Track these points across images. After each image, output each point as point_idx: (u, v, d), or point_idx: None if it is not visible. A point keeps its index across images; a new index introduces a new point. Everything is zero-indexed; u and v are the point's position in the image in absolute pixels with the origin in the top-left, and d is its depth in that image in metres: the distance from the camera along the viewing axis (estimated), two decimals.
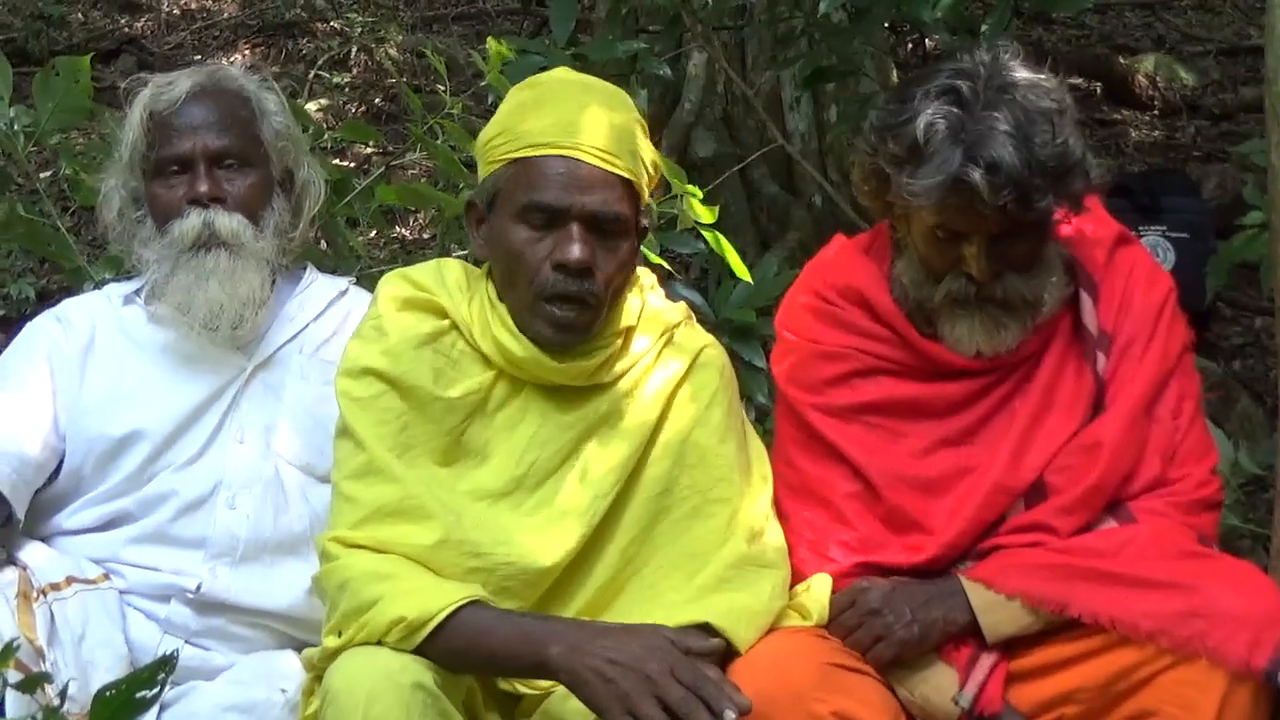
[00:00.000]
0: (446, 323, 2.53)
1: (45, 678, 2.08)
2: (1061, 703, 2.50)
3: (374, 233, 4.80)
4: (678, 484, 2.54)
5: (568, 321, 2.47)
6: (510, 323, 2.50)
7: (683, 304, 2.72)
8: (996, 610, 2.53)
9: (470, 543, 2.43)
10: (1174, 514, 2.59)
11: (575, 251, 2.43)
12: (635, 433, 2.53)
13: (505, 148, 2.49)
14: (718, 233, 3.50)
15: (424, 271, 2.59)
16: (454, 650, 2.32)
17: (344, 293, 3.02)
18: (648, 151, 2.55)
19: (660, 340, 2.59)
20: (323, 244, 3.81)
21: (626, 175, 2.48)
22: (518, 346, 2.49)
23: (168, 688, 2.66)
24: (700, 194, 3.43)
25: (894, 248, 2.73)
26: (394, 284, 2.57)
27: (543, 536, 2.47)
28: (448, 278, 2.57)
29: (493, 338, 2.51)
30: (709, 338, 2.67)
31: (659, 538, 2.52)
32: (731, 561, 2.50)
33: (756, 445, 2.67)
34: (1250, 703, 2.38)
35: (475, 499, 2.48)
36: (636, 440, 2.52)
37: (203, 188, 2.84)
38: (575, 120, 2.47)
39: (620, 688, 2.24)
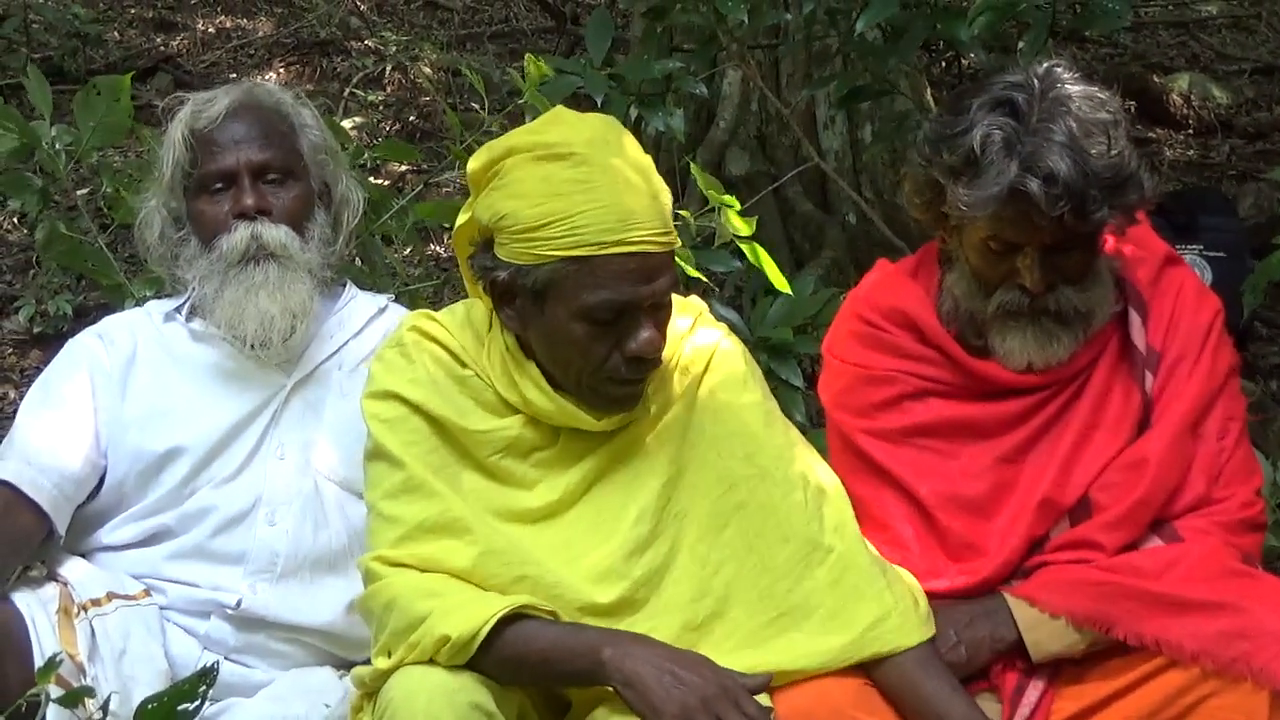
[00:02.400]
0: (469, 371, 2.50)
1: (87, 692, 2.09)
2: None
3: (409, 250, 4.80)
4: (738, 476, 2.49)
5: (632, 396, 2.45)
6: (544, 383, 2.45)
7: (695, 299, 2.67)
8: (1042, 628, 2.51)
9: (515, 551, 2.41)
10: (1219, 533, 2.58)
11: (650, 343, 2.39)
12: (671, 441, 2.50)
13: (561, 243, 2.33)
14: (755, 245, 3.49)
15: (451, 317, 2.55)
16: (505, 660, 2.30)
17: (383, 310, 3.02)
18: (664, 190, 2.46)
19: (680, 348, 2.55)
20: (359, 262, 3.82)
21: (675, 244, 2.44)
22: (552, 406, 2.45)
23: (207, 704, 2.68)
24: (739, 206, 3.43)
25: (944, 261, 2.72)
26: (422, 320, 2.55)
27: (591, 564, 2.44)
28: (475, 322, 2.53)
29: (520, 394, 2.46)
30: (722, 326, 2.64)
31: (737, 541, 2.47)
32: (836, 574, 2.46)
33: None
34: None
35: (515, 519, 2.47)
36: (673, 449, 2.49)
37: (249, 201, 2.85)
38: (632, 208, 2.35)
39: (679, 697, 2.23)
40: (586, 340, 2.38)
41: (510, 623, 2.31)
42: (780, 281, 3.54)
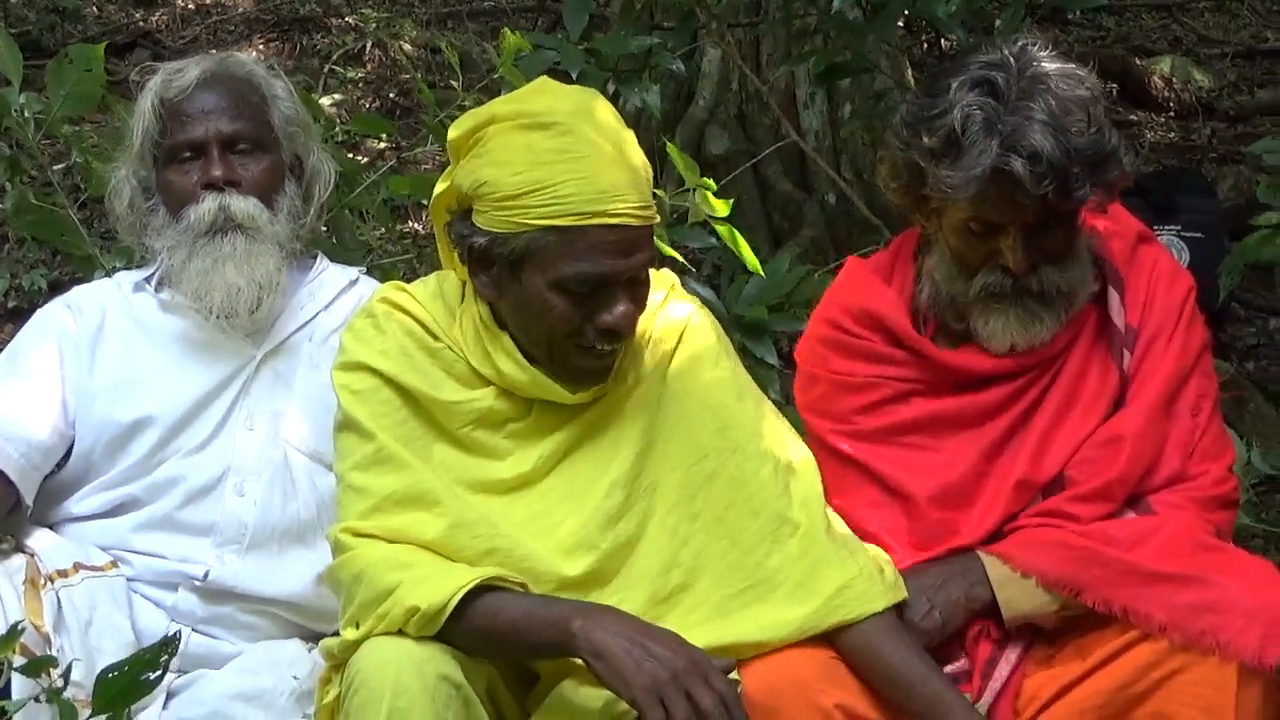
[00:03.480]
0: (441, 344, 2.49)
1: (50, 661, 2.07)
2: (1075, 716, 2.47)
3: (384, 229, 4.79)
4: (709, 448, 2.49)
5: (604, 368, 2.44)
6: (517, 354, 2.44)
7: (666, 271, 2.67)
8: (1013, 585, 2.52)
9: (485, 523, 2.41)
10: (1193, 509, 2.59)
11: (625, 317, 2.38)
12: (644, 414, 2.50)
13: (541, 212, 2.33)
14: (732, 227, 3.48)
15: (423, 288, 2.54)
16: (474, 632, 2.30)
17: (354, 282, 3.01)
18: (645, 164, 2.45)
19: (653, 321, 2.55)
20: (332, 239, 3.81)
21: (655, 219, 2.43)
22: (525, 377, 2.45)
23: (175, 676, 2.68)
24: (714, 187, 3.42)
25: (922, 246, 2.72)
26: (394, 292, 2.54)
27: (563, 536, 2.44)
28: (447, 294, 2.53)
29: (493, 366, 2.45)
30: (694, 300, 2.63)
31: (707, 513, 2.47)
32: (810, 538, 2.46)
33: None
34: (1260, 698, 2.37)
35: (486, 490, 2.46)
36: (645, 421, 2.49)
37: (217, 172, 2.84)
38: (614, 180, 2.34)
39: (649, 670, 2.22)
40: (561, 311, 2.37)
41: (480, 594, 2.31)
42: (754, 262, 3.53)
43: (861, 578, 2.45)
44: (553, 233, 2.34)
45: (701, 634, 2.37)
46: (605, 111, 2.43)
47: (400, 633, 2.30)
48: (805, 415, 2.76)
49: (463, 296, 2.52)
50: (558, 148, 2.35)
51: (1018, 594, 2.52)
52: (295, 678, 2.65)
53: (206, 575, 2.74)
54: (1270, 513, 3.63)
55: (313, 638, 2.73)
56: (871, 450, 2.68)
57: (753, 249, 3.63)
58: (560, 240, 2.34)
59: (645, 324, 2.52)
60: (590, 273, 2.35)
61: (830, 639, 2.42)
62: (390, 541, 2.40)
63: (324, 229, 3.60)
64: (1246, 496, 3.51)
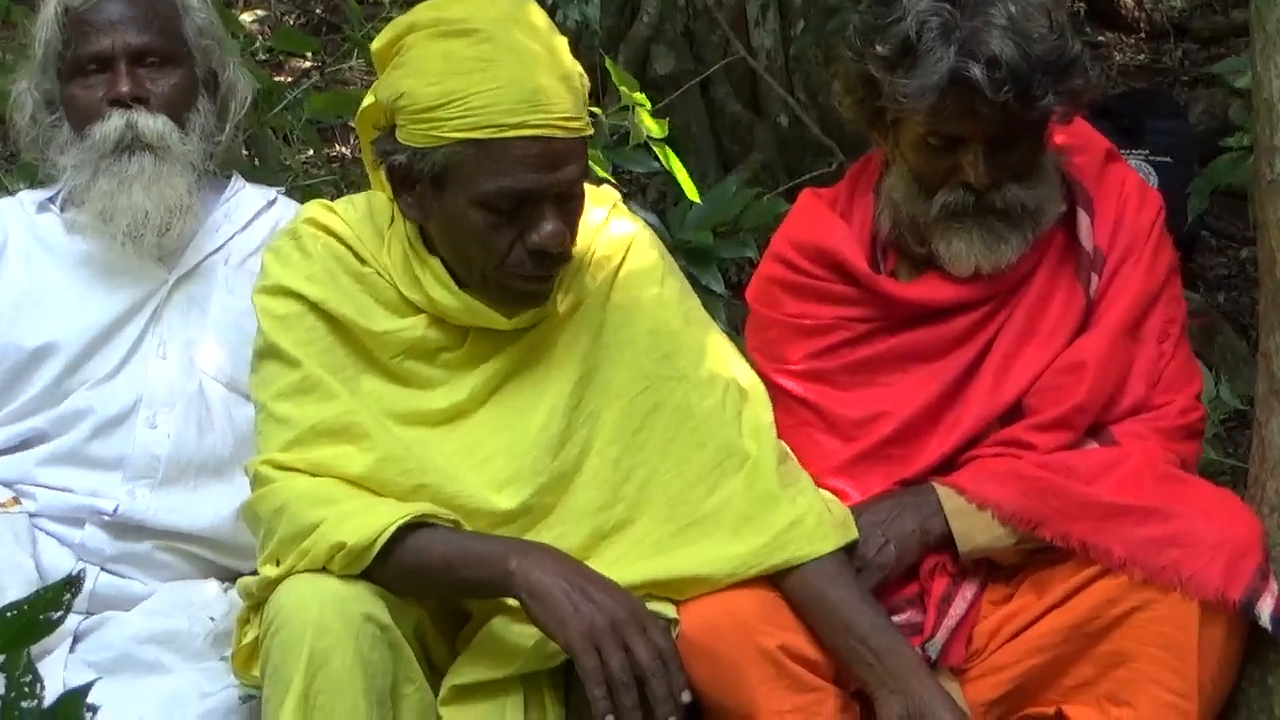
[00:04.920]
0: (369, 268, 2.47)
1: None
2: (1032, 654, 2.49)
3: (310, 153, 4.74)
4: (654, 375, 2.48)
5: (538, 292, 2.42)
6: (448, 279, 2.42)
7: (608, 188, 2.65)
8: (969, 517, 2.53)
9: (414, 457, 2.39)
10: (1156, 439, 2.60)
11: (554, 236, 2.35)
12: (585, 339, 2.49)
13: (459, 124, 2.30)
14: (667, 148, 3.45)
15: (350, 209, 2.51)
16: (404, 570, 2.30)
17: (272, 202, 2.97)
18: (579, 73, 2.42)
19: (595, 240, 2.53)
20: (254, 161, 3.76)
21: (587, 130, 2.39)
22: (458, 304, 2.43)
23: (82, 618, 2.65)
24: (649, 105, 3.39)
25: (882, 167, 2.71)
26: (319, 211, 2.51)
27: (497, 469, 2.43)
28: (376, 215, 2.50)
29: (424, 292, 2.44)
30: (638, 219, 2.62)
31: (651, 444, 2.46)
32: (763, 474, 2.45)
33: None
34: (1224, 637, 2.40)
35: (417, 422, 2.45)
36: (585, 347, 2.48)
37: (124, 87, 2.79)
38: (537, 89, 2.30)
39: (587, 615, 2.22)
40: (486, 231, 2.34)
41: (410, 531, 2.30)
42: (690, 188, 3.51)
43: (811, 515, 2.44)
44: (471, 146, 2.31)
45: (640, 570, 2.37)
46: (533, 17, 2.41)
47: (324, 570, 2.29)
48: (756, 357, 2.74)
49: (392, 219, 2.49)
50: (476, 56, 2.32)
51: (974, 527, 2.53)
52: (211, 619, 2.64)
53: (116, 510, 2.71)
54: (1239, 449, 3.65)
55: (229, 577, 2.71)
56: (823, 391, 2.68)
57: (701, 174, 3.63)
58: (480, 154, 2.31)
59: (585, 244, 2.50)
60: (513, 188, 2.32)
61: (775, 580, 2.42)
62: (314, 475, 2.39)
63: (244, 151, 3.56)
64: (1214, 430, 3.54)
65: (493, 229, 2.34)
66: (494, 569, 2.29)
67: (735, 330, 3.18)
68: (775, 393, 2.64)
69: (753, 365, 2.68)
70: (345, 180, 4.26)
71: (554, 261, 2.39)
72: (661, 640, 2.25)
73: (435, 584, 2.35)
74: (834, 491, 2.59)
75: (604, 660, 2.21)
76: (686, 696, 2.24)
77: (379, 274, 2.47)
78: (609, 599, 2.25)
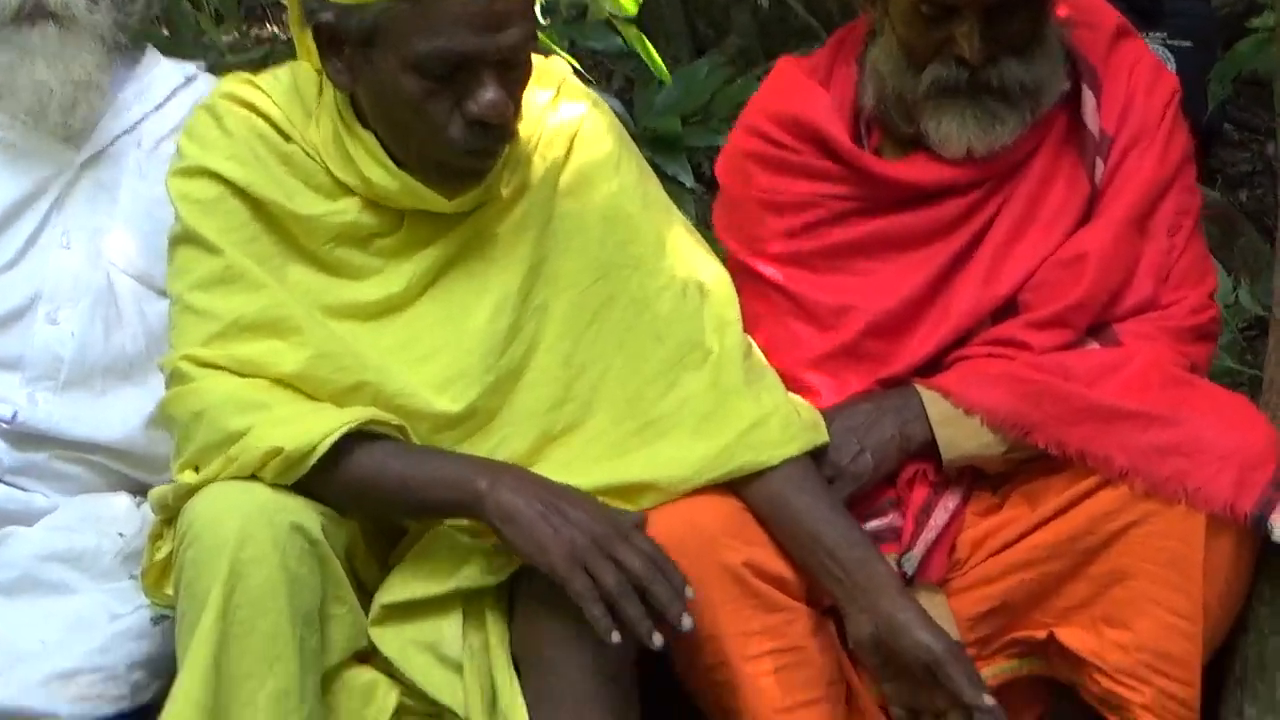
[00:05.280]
0: (294, 146, 2.45)
1: None
2: (1020, 568, 2.50)
3: (235, 34, 4.70)
4: (609, 264, 2.48)
5: (478, 170, 2.40)
6: (383, 156, 2.41)
7: (557, 60, 2.64)
8: (955, 424, 2.53)
9: (351, 354, 2.39)
10: (1164, 340, 2.60)
11: (494, 106, 2.32)
12: (534, 225, 2.48)
13: None
14: (632, 26, 3.42)
15: (274, 83, 2.49)
16: (349, 484, 2.31)
17: (190, 79, 2.94)
18: None
19: (543, 119, 2.51)
20: (167, 34, 3.73)
21: None
22: (394, 183, 2.41)
23: None
24: None
25: (868, 38, 2.69)
26: (239, 85, 2.49)
27: (439, 367, 2.43)
28: (302, 89, 2.48)
29: (356, 172, 2.42)
30: (590, 94, 2.60)
31: (605, 339, 2.47)
32: (725, 371, 2.46)
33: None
34: (1232, 553, 2.41)
35: (351, 315, 2.44)
36: (535, 233, 2.47)
37: None
38: None
39: (567, 536, 2.25)
40: (420, 98, 2.32)
41: (356, 441, 2.31)
42: (661, 67, 3.48)
43: (778, 415, 2.45)
44: (404, 1, 2.28)
45: (592, 474, 2.38)
46: None
47: (252, 479, 2.29)
48: (724, 238, 2.74)
49: (320, 91, 2.47)
50: None
51: (959, 433, 2.52)
52: (121, 535, 2.64)
53: (15, 416, 2.70)
54: (1259, 358, 3.65)
55: (141, 490, 2.70)
56: (800, 276, 2.67)
57: (672, 59, 3.60)
58: (413, 11, 2.29)
59: (533, 122, 2.49)
60: (449, 49, 2.29)
61: (739, 489, 2.43)
62: (239, 375, 2.38)
63: (162, 29, 3.52)
64: (1231, 337, 3.55)
65: (427, 96, 2.32)
66: (461, 491, 2.30)
67: (705, 228, 3.17)
68: (747, 279, 2.64)
69: (722, 254, 2.68)
70: (273, 63, 4.21)
71: (495, 136, 2.37)
72: (648, 545, 2.27)
73: (387, 502, 2.36)
74: (810, 387, 2.59)
75: (596, 578, 2.23)
76: (690, 593, 2.26)
77: (307, 153, 2.45)
78: (586, 515, 2.27)
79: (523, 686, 2.35)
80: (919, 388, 2.57)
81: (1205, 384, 2.57)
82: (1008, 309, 2.63)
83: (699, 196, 3.64)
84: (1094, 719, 2.49)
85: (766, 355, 2.56)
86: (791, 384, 2.57)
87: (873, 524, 2.52)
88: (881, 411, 2.56)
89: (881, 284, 2.65)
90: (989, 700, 2.32)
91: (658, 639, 2.25)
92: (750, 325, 2.56)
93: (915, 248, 2.66)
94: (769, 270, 2.69)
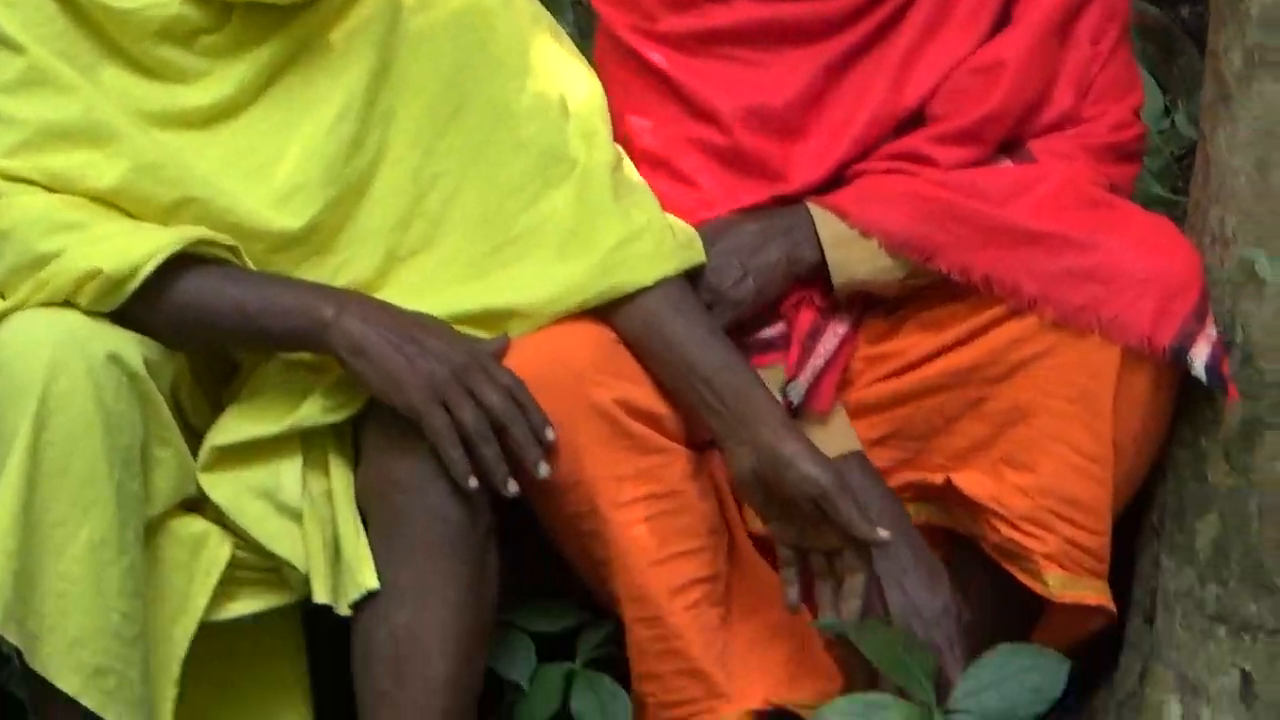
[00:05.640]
0: None
1: None
2: (915, 396, 2.52)
3: None
4: (464, 66, 2.46)
5: None
6: None
7: None
8: (849, 247, 2.53)
9: (177, 165, 2.36)
10: (1082, 158, 2.60)
11: None
12: (379, 22, 2.44)
13: None
14: None
15: None
16: (176, 311, 2.31)
17: None
18: None
19: None
20: None
21: None
22: None
23: None
24: None
25: None
26: None
27: (275, 180, 2.41)
28: None
29: None
30: None
31: (459, 149, 2.46)
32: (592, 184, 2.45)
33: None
34: (1149, 389, 2.43)
35: (176, 123, 2.41)
36: (380, 30, 2.44)
37: None
38: None
39: (425, 369, 2.26)
40: None
41: (186, 265, 2.30)
42: None
43: (650, 232, 2.44)
44: None
45: (445, 300, 2.39)
46: None
47: (65, 306, 2.28)
48: (599, 7, 2.71)
49: None
50: None
51: (854, 257, 2.52)
52: None
53: None
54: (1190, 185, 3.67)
55: None
56: (678, 60, 2.63)
57: None
58: None
59: None
60: None
61: (608, 317, 2.43)
62: (51, 190, 2.35)
63: None
64: (1164, 163, 3.56)
65: None
66: (304, 319, 2.30)
67: (585, 39, 3.13)
68: (621, 55, 2.63)
69: (598, 21, 2.68)
70: None
71: None
72: (507, 378, 2.29)
73: (219, 333, 2.35)
74: (690, 180, 2.59)
75: (454, 415, 2.25)
76: (550, 434, 2.29)
77: None
78: (444, 345, 2.29)
79: (369, 538, 2.35)
80: (811, 206, 2.56)
81: (1126, 205, 2.58)
82: (914, 121, 2.62)
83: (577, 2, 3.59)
84: (998, 574, 2.51)
85: (644, 142, 2.57)
86: (673, 176, 2.57)
87: (766, 332, 2.54)
88: (768, 232, 2.55)
89: (768, 78, 2.62)
90: (883, 533, 2.34)
91: (513, 486, 2.26)
92: (622, 107, 2.57)
93: (806, 41, 2.63)
94: (643, 48, 2.65)
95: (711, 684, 2.45)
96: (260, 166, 2.41)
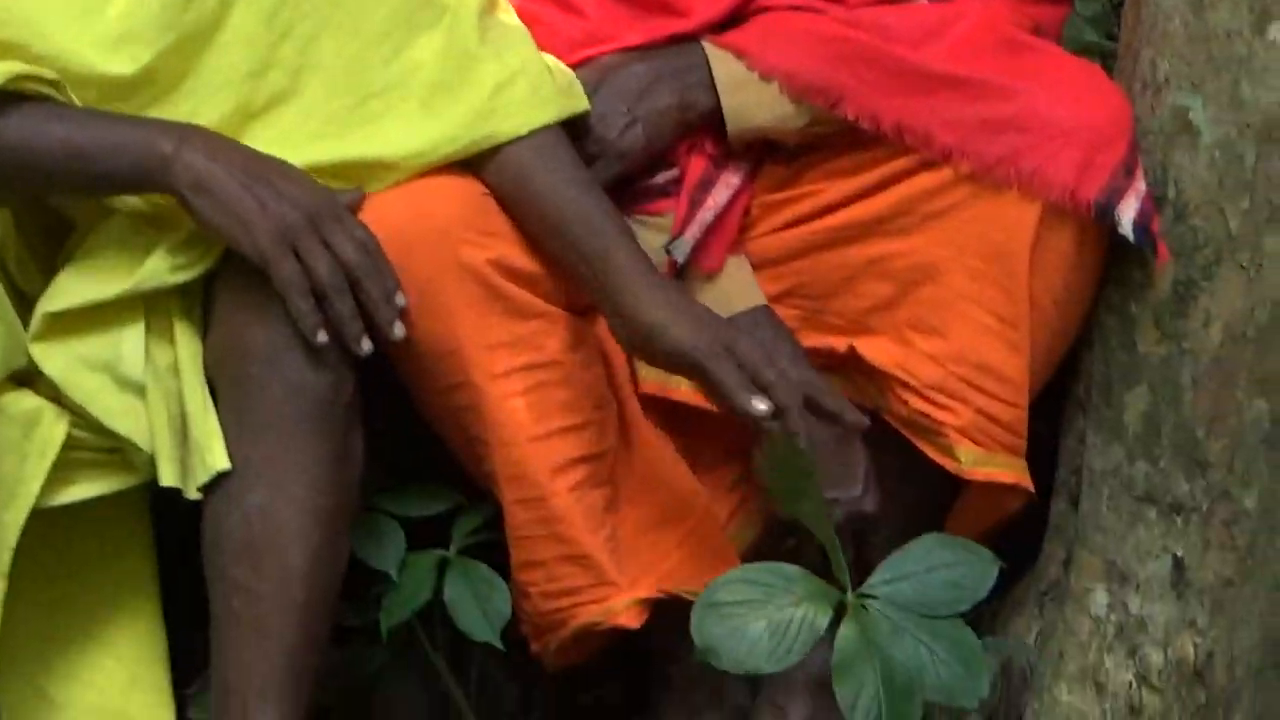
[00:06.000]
0: None
1: None
2: (816, 249, 2.53)
3: None
4: None
5: None
6: None
7: None
8: (747, 90, 2.52)
9: None
10: None
11: None
12: None
13: None
14: None
15: None
16: None
17: None
18: None
19: None
20: None
21: None
22: None
23: None
24: None
25: None
26: None
27: (108, 21, 2.36)
28: None
29: None
30: None
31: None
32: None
33: None
34: (1072, 249, 2.45)
35: None
36: None
37: None
38: None
39: (276, 213, 2.26)
40: None
41: (2, 102, 2.28)
42: None
43: (525, 76, 2.43)
44: None
45: (309, 152, 2.37)
46: None
47: None
48: None
49: None
50: None
51: (751, 102, 2.52)
52: None
53: None
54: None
55: None
56: None
57: None
58: None
59: None
60: None
61: (479, 170, 2.42)
62: None
63: None
64: (1100, 8, 3.55)
65: None
66: (140, 154, 2.28)
67: None
68: None
69: None
70: None
71: None
72: (364, 233, 2.30)
73: (45, 176, 2.33)
74: (576, 7, 2.59)
75: (306, 264, 2.26)
76: (401, 300, 2.29)
77: None
78: (298, 189, 2.29)
79: (220, 413, 2.35)
80: (706, 46, 2.56)
81: (1049, 49, 2.57)
82: None
83: None
84: (907, 451, 2.52)
85: None
86: (559, 4, 2.58)
87: (660, 177, 2.55)
88: (658, 75, 2.54)
89: None
90: (761, 405, 2.32)
91: (366, 344, 2.26)
92: None
93: None
94: None
95: (598, 570, 2.44)
96: (90, 7, 2.37)
